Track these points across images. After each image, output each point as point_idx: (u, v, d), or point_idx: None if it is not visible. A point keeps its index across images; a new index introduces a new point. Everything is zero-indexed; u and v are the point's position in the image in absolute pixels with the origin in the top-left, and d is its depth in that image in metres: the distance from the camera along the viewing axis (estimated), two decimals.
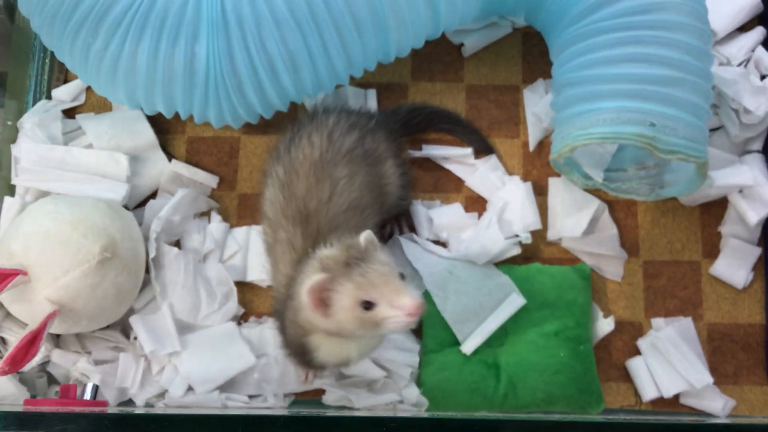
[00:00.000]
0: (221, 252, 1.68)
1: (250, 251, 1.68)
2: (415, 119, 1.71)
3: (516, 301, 1.55)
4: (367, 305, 1.17)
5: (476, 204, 1.70)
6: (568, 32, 1.51)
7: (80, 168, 1.68)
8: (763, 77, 1.64)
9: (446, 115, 1.75)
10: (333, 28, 1.48)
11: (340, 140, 1.46)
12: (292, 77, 1.53)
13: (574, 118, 1.47)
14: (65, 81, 1.83)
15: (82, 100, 1.81)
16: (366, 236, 1.23)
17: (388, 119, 1.65)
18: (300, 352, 1.38)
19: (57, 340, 1.62)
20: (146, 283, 1.64)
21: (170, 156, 1.75)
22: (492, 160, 1.71)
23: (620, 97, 1.41)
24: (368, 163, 1.48)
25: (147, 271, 1.63)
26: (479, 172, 1.70)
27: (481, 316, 1.56)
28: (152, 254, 1.61)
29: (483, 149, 1.72)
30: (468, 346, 1.55)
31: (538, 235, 1.66)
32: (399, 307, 1.16)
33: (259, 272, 1.66)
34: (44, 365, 1.61)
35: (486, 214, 1.67)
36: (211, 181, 1.73)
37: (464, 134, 1.73)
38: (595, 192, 1.67)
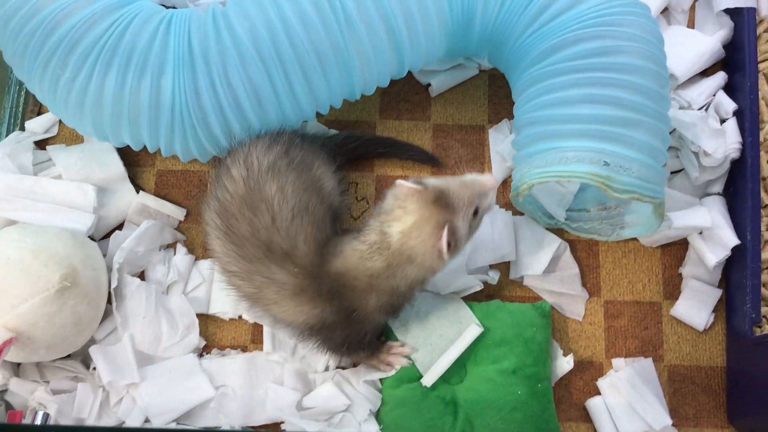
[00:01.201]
0: (185, 284, 1.69)
1: (215, 283, 1.68)
2: (352, 144, 1.73)
3: (474, 330, 1.54)
4: (475, 212, 1.36)
5: None
6: (528, 73, 1.54)
7: (48, 198, 1.70)
8: (723, 121, 1.66)
9: (382, 140, 1.78)
10: (297, 64, 1.51)
11: (258, 160, 1.46)
12: (257, 112, 1.55)
13: (532, 157, 1.49)
14: (39, 113, 1.86)
15: (54, 132, 1.84)
16: (410, 182, 1.36)
17: (324, 140, 1.68)
18: (372, 339, 1.51)
19: (16, 368, 1.62)
20: (108, 313, 1.65)
21: (139, 188, 1.77)
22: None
23: (576, 136, 1.43)
24: (296, 169, 1.48)
25: (109, 301, 1.64)
26: None
27: (441, 347, 1.56)
28: (114, 284, 1.62)
29: (429, 162, 1.76)
30: (428, 379, 1.54)
31: (501, 272, 1.66)
32: (489, 187, 1.39)
33: (222, 305, 1.66)
34: (2, 393, 1.60)
35: None
36: (178, 213, 1.75)
37: (406, 153, 1.77)
38: (557, 231, 1.68)
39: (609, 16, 1.48)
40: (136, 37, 1.51)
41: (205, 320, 1.68)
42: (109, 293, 1.63)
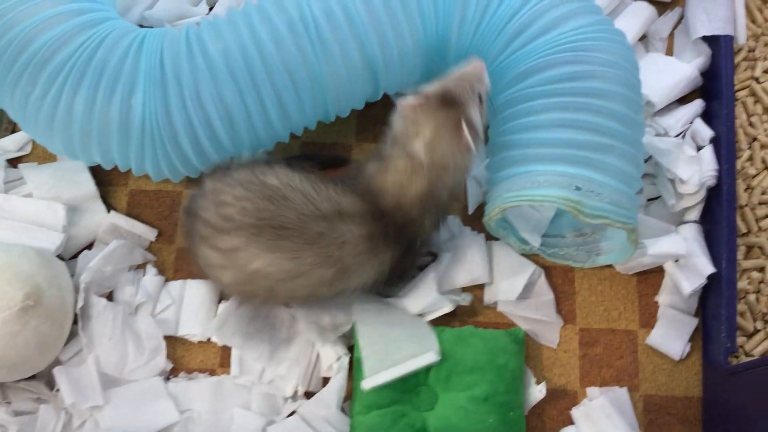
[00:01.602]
0: (153, 305, 1.66)
1: (184, 305, 1.66)
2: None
3: (430, 356, 1.51)
4: (480, 99, 1.42)
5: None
6: (503, 97, 1.53)
7: (17, 216, 1.68)
8: (699, 148, 1.64)
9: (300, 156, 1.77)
10: (270, 84, 1.50)
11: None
12: (229, 132, 1.54)
13: (505, 181, 1.48)
14: (14, 131, 1.85)
15: (28, 150, 1.82)
16: (411, 98, 1.40)
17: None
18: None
19: None
20: (74, 334, 1.62)
21: (111, 208, 1.75)
22: None
23: (548, 161, 1.42)
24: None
25: (75, 322, 1.61)
26: None
27: (394, 360, 1.52)
28: (80, 305, 1.59)
29: (339, 164, 1.76)
30: (367, 383, 1.50)
31: (475, 297, 1.64)
32: (480, 69, 1.45)
33: (191, 327, 1.63)
34: None
35: (433, 266, 1.65)
36: (149, 233, 1.73)
37: (321, 162, 1.74)
38: (532, 257, 1.66)
39: (583, 41, 1.47)
40: (108, 54, 1.50)
41: (174, 343, 1.65)
42: (75, 314, 1.60)
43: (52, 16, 1.49)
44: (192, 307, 1.65)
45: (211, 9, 1.88)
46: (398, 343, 1.54)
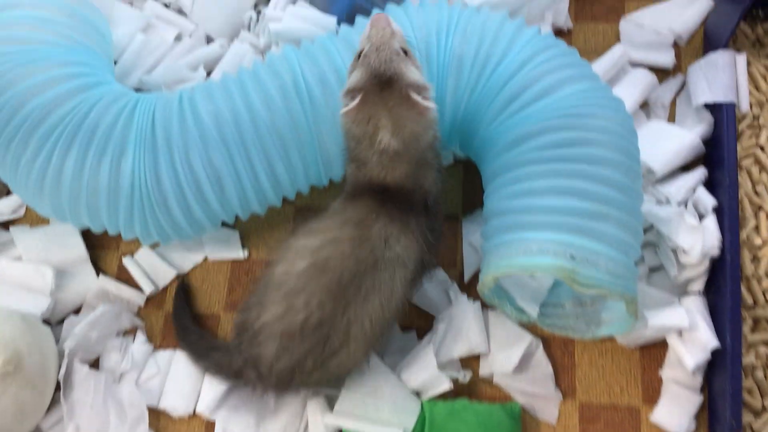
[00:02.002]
0: (139, 374, 1.61)
1: (170, 376, 1.60)
2: None
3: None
4: (404, 51, 1.36)
5: (421, 318, 1.63)
6: (497, 162, 1.50)
7: (4, 279, 1.66)
8: (702, 217, 1.59)
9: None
10: (260, 148, 1.49)
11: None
12: (218, 195, 1.52)
13: (499, 248, 1.43)
14: (8, 194, 1.84)
15: (21, 213, 1.82)
16: (348, 103, 1.33)
17: None
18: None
19: None
20: (57, 401, 1.57)
21: (101, 272, 1.72)
22: (441, 274, 1.67)
23: (543, 228, 1.37)
24: None
25: (59, 389, 1.56)
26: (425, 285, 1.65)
27: (364, 415, 1.47)
28: (62, 371, 1.55)
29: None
30: (328, 420, 1.48)
31: (471, 367, 1.58)
32: (383, 24, 1.37)
33: (174, 399, 1.58)
34: None
35: (429, 335, 1.60)
36: (138, 298, 1.69)
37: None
38: (530, 327, 1.60)
39: (580, 107, 1.44)
40: (99, 117, 1.50)
41: (157, 413, 1.59)
42: (58, 381, 1.56)
43: (47, 79, 1.50)
44: (177, 380, 1.60)
45: (209, 74, 1.88)
46: (378, 404, 1.48)
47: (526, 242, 1.38)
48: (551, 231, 1.36)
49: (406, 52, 1.36)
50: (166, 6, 1.99)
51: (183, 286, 1.69)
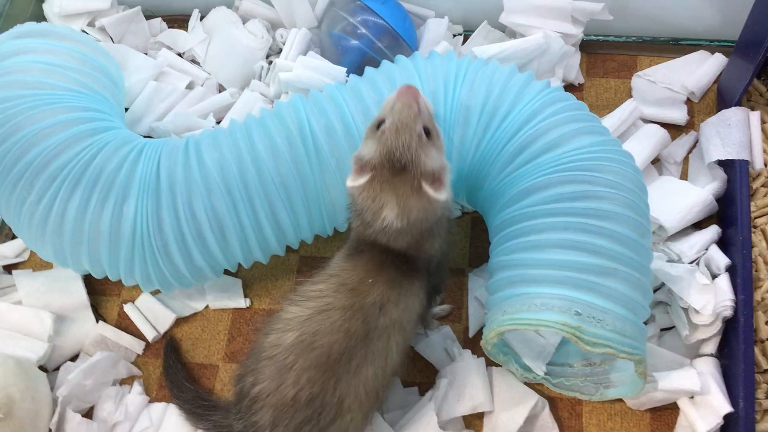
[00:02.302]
0: (131, 425, 1.57)
1: (162, 431, 1.56)
2: None
3: None
4: (427, 133, 1.29)
5: (424, 371, 1.59)
6: (503, 215, 1.47)
7: (3, 323, 1.64)
8: (715, 276, 1.55)
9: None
10: (264, 196, 1.48)
11: None
12: (221, 243, 1.51)
13: (502, 302, 1.39)
14: (13, 237, 1.83)
15: (25, 257, 1.81)
16: (355, 176, 1.28)
17: None
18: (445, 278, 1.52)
19: None
20: None
21: (101, 318, 1.70)
22: (446, 329, 1.63)
23: (547, 283, 1.34)
24: None
25: None
26: (431, 338, 1.62)
27: None
28: (54, 419, 1.52)
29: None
30: None
31: (475, 427, 1.53)
32: (410, 99, 1.29)
33: None
34: None
35: (431, 391, 1.55)
36: (136, 346, 1.67)
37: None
38: (536, 386, 1.55)
39: (588, 161, 1.42)
40: (105, 162, 1.50)
41: None
42: (50, 429, 1.53)
43: (55, 123, 1.51)
44: None
45: (218, 122, 1.89)
46: None
47: (530, 297, 1.34)
48: (556, 286, 1.33)
49: (429, 133, 1.30)
50: (180, 55, 2.01)
51: (171, 342, 1.66)
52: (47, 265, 1.78)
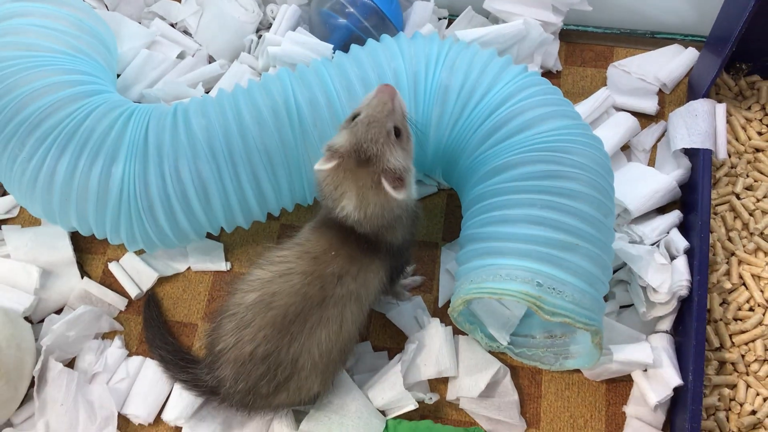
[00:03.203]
0: (110, 377, 1.63)
1: (137, 383, 1.63)
2: None
3: None
4: (397, 132, 1.36)
5: (394, 337, 1.66)
6: (476, 190, 1.54)
7: None
8: (673, 258, 1.63)
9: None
10: (248, 163, 1.54)
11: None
12: (204, 206, 1.57)
13: (470, 272, 1.47)
14: (3, 194, 1.89)
15: (14, 214, 1.86)
16: (324, 161, 1.35)
17: None
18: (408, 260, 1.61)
19: None
20: (31, 397, 1.60)
21: (86, 275, 1.76)
22: (418, 299, 1.71)
23: (513, 255, 1.41)
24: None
25: (33, 385, 1.60)
26: (402, 306, 1.69)
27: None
28: (37, 367, 1.58)
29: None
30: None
31: (439, 391, 1.60)
32: (387, 97, 1.37)
33: (136, 407, 1.60)
34: None
35: (399, 355, 1.62)
36: (119, 302, 1.73)
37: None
38: (500, 355, 1.63)
39: (558, 143, 1.49)
40: (95, 124, 1.55)
41: (126, 417, 1.62)
42: (33, 377, 1.59)
43: (49, 85, 1.56)
44: (143, 389, 1.62)
45: (207, 92, 1.94)
46: (344, 421, 1.51)
47: (496, 268, 1.42)
48: (522, 258, 1.40)
49: (399, 132, 1.37)
50: (173, 25, 2.06)
51: (151, 298, 1.72)
52: (36, 222, 1.84)
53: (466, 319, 1.58)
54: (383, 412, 1.57)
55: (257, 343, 1.36)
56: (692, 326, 1.52)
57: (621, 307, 1.66)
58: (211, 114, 1.56)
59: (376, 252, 1.44)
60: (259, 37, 1.98)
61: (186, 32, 2.06)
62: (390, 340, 1.67)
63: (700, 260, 1.58)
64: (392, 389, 1.55)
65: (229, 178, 1.55)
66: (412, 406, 1.55)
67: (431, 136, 1.59)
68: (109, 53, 1.81)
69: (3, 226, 1.80)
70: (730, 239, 1.70)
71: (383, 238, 1.43)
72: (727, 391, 1.55)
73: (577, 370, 1.62)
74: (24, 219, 1.86)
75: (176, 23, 2.06)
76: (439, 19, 2.05)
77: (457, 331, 1.65)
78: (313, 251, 1.41)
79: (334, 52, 1.84)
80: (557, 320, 1.36)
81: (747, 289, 1.64)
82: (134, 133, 1.56)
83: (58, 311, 1.73)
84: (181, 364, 1.57)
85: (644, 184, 1.72)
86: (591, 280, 1.41)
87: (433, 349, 1.60)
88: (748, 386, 1.55)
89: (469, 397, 1.57)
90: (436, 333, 1.62)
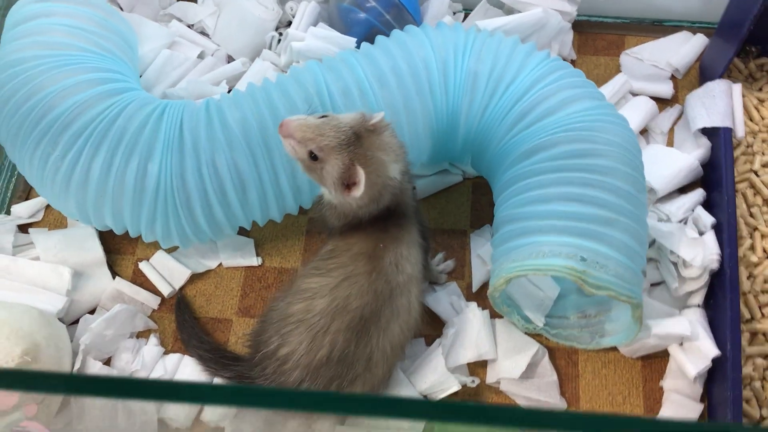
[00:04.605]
0: (148, 375, 1.62)
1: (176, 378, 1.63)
2: None
3: None
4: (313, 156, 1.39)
5: (431, 324, 1.66)
6: (509, 174, 1.57)
7: (22, 278, 1.68)
8: (701, 234, 1.67)
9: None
10: (284, 155, 1.54)
11: None
12: (241, 198, 1.57)
13: (510, 252, 1.49)
14: (27, 198, 1.88)
15: (39, 217, 1.85)
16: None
17: None
18: None
19: None
20: (68, 399, 1.58)
21: (117, 275, 1.76)
22: (452, 285, 1.72)
23: (554, 232, 1.44)
24: None
25: None
26: (438, 293, 1.71)
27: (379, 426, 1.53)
28: (77, 366, 1.57)
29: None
30: None
31: (479, 375, 1.62)
32: (292, 129, 1.39)
33: (173, 410, 1.58)
34: None
35: (439, 339, 1.64)
36: (152, 301, 1.72)
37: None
38: (536, 336, 1.65)
39: (588, 122, 1.52)
40: (128, 122, 1.55)
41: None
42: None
43: (79, 82, 1.56)
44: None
45: (230, 91, 1.95)
46: None
47: (538, 245, 1.44)
48: (562, 234, 1.43)
49: (314, 156, 1.39)
50: (190, 27, 2.07)
51: (181, 300, 1.72)
52: (61, 225, 1.83)
53: (504, 302, 1.60)
54: (426, 397, 1.58)
55: (334, 347, 1.39)
56: (726, 299, 1.55)
57: (651, 285, 1.69)
58: (244, 106, 1.57)
59: (408, 218, 1.49)
60: (280, 34, 1.99)
61: (203, 33, 2.07)
62: (427, 327, 1.67)
63: (729, 233, 1.62)
64: (435, 372, 1.57)
65: (265, 170, 1.56)
66: (455, 387, 1.56)
67: (461, 125, 1.61)
68: (132, 52, 1.82)
69: (30, 230, 1.79)
70: (751, 215, 1.74)
71: (399, 201, 1.47)
72: (760, 360, 1.58)
73: (613, 349, 1.64)
74: (49, 222, 1.84)
75: (193, 25, 2.07)
76: (455, 13, 2.09)
77: (493, 315, 1.66)
78: (365, 250, 1.44)
79: (357, 46, 1.86)
80: (602, 293, 1.39)
81: None
82: (168, 129, 1.56)
83: (90, 312, 1.72)
84: (222, 362, 1.58)
85: (667, 164, 1.76)
86: (630, 253, 1.44)
87: (471, 332, 1.62)
88: None
89: (511, 378, 1.59)
90: (474, 317, 1.63)
